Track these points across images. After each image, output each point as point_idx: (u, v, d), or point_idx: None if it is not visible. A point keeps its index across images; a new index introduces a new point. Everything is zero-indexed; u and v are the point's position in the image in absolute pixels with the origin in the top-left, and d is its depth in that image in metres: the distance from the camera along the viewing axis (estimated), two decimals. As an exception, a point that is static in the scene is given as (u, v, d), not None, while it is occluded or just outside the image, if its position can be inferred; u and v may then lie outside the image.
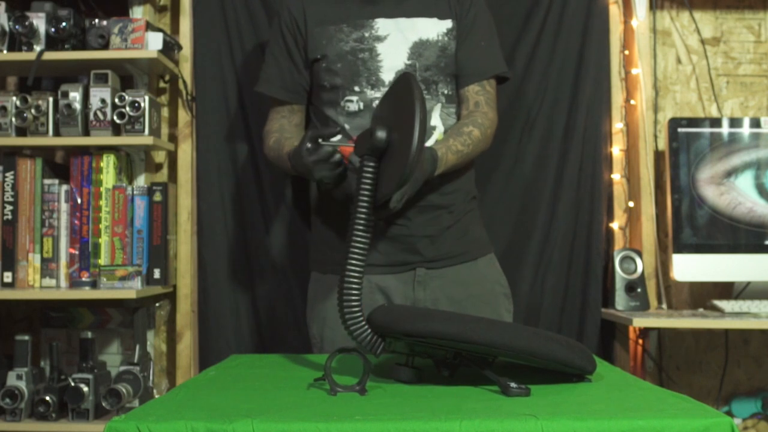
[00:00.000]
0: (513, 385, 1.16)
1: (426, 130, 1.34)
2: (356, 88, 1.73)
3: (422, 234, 1.74)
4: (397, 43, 1.73)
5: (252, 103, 2.25)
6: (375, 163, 1.36)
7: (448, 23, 1.77)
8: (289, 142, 1.72)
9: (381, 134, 1.35)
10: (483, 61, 1.80)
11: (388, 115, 1.46)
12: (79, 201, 2.17)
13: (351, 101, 1.73)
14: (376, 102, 1.71)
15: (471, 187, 1.87)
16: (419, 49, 1.74)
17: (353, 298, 1.31)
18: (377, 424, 0.98)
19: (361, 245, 1.33)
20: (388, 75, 1.72)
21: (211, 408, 1.09)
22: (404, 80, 1.42)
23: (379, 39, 1.74)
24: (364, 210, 1.34)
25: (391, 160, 1.36)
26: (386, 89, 1.69)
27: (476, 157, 1.82)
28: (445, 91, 1.77)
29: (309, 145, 1.52)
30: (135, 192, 2.19)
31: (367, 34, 1.74)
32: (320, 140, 1.53)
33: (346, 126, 1.74)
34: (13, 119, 2.13)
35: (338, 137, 1.65)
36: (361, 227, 1.33)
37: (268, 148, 1.81)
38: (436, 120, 1.75)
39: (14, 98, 2.13)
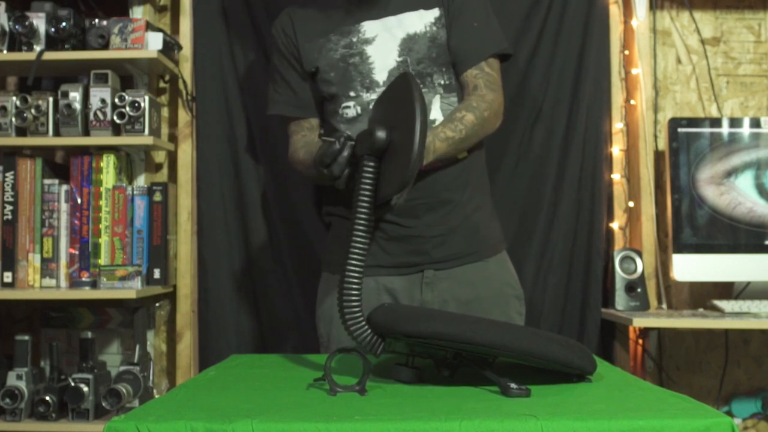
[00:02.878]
0: (513, 385, 1.16)
1: (427, 130, 1.34)
2: (351, 93, 1.72)
3: (430, 234, 1.73)
4: (385, 42, 1.72)
5: (252, 103, 2.26)
6: (375, 163, 1.36)
7: (435, 12, 1.75)
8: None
9: (381, 134, 1.35)
10: (476, 44, 1.76)
11: (388, 115, 1.46)
12: (79, 201, 2.17)
13: (348, 107, 1.73)
14: (373, 105, 1.71)
15: (481, 180, 1.83)
16: (409, 44, 1.72)
17: (353, 297, 1.30)
18: (377, 424, 0.98)
19: (361, 245, 1.32)
20: (381, 75, 1.71)
21: (211, 408, 1.09)
22: (403, 80, 1.42)
23: (368, 41, 1.73)
24: (364, 210, 1.34)
25: (391, 160, 1.36)
26: (381, 90, 1.69)
27: (481, 144, 1.80)
28: (442, 82, 1.74)
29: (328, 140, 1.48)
30: (135, 192, 2.19)
31: (355, 39, 1.73)
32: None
33: (348, 133, 1.73)
34: (13, 119, 2.13)
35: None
36: (361, 227, 1.33)
37: (299, 162, 1.78)
38: (436, 112, 1.73)
39: (14, 98, 2.14)
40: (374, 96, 1.70)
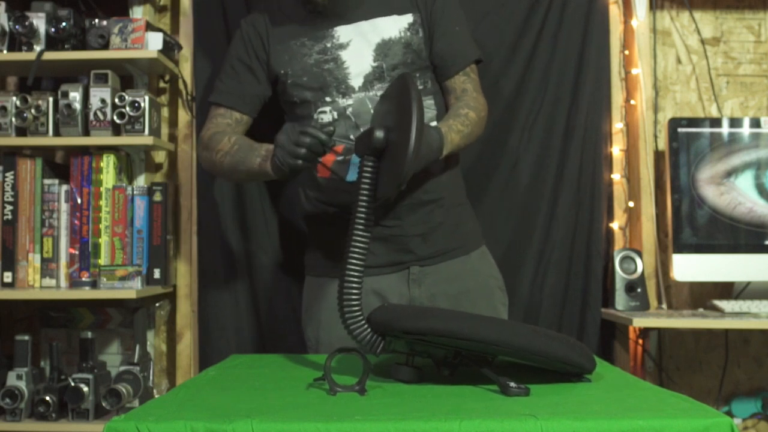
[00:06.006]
0: (512, 384, 1.16)
1: (423, 131, 1.35)
2: (327, 99, 1.72)
3: (414, 233, 1.75)
4: (360, 47, 1.73)
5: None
6: (374, 163, 1.38)
7: (408, 18, 1.76)
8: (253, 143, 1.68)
9: (379, 134, 1.36)
10: (462, 50, 1.80)
11: (387, 116, 1.47)
12: (79, 201, 2.17)
13: (324, 112, 1.73)
14: (350, 110, 1.72)
15: (459, 180, 1.88)
16: (383, 49, 1.73)
17: (353, 297, 1.31)
18: (377, 424, 0.99)
19: (362, 244, 1.33)
20: (356, 81, 1.72)
21: (211, 408, 1.09)
22: (402, 81, 1.42)
23: (342, 47, 1.73)
24: (365, 208, 1.35)
25: (389, 160, 1.37)
26: (357, 95, 1.71)
27: (473, 146, 1.83)
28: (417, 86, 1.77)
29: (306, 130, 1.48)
30: (135, 192, 2.19)
31: (329, 44, 1.73)
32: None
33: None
34: (13, 119, 2.13)
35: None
36: (361, 225, 1.34)
37: (220, 144, 1.72)
38: None
39: (14, 98, 2.13)
40: (350, 101, 1.71)
